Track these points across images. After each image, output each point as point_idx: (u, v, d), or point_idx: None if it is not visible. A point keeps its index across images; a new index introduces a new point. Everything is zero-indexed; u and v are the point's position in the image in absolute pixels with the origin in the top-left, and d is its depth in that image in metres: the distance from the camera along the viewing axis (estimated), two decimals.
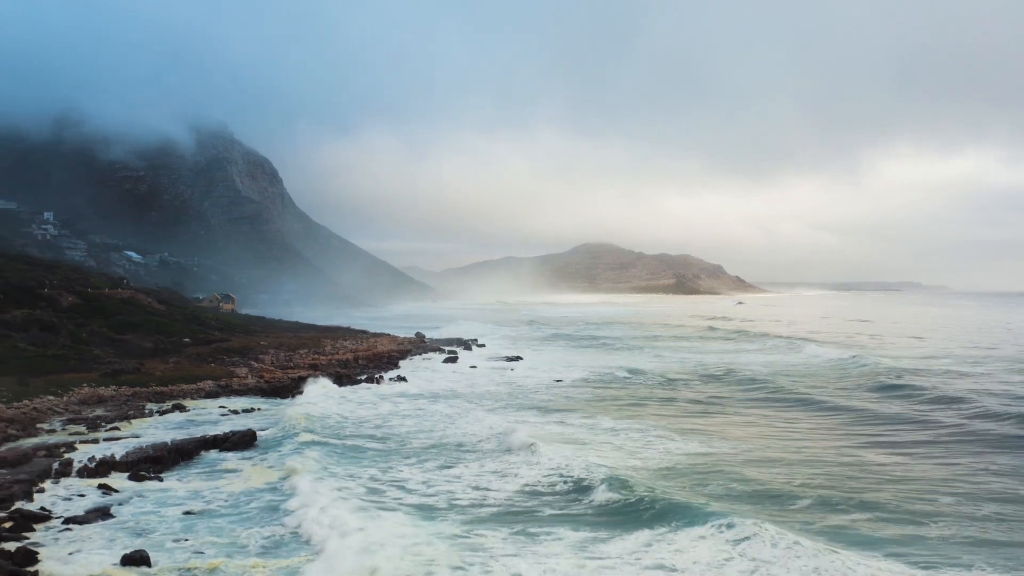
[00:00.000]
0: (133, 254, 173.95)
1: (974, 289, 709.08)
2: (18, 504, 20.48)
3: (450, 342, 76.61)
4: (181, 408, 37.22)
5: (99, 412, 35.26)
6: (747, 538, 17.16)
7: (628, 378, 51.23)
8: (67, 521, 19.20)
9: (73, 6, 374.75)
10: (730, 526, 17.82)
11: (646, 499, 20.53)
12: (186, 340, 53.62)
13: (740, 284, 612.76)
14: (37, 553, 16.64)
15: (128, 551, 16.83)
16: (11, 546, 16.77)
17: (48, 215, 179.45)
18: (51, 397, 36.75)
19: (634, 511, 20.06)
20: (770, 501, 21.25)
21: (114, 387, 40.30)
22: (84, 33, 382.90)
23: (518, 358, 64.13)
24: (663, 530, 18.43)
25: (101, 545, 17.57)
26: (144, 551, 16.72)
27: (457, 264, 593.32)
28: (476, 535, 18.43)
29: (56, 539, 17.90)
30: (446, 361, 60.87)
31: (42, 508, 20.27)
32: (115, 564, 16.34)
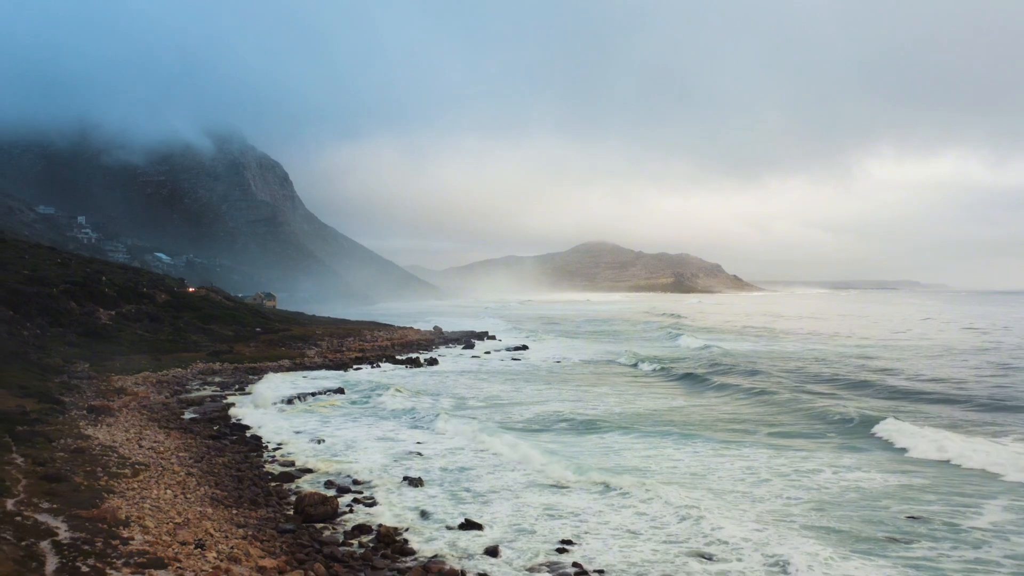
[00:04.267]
0: (163, 256, 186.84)
1: (972, 288, 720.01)
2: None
3: (465, 334, 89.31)
4: (274, 377, 50.00)
5: (219, 379, 47.99)
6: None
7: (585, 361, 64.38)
8: (258, 431, 31.97)
9: (89, 19, 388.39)
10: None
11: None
12: (257, 329, 66.49)
13: (737, 283, 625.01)
14: (261, 438, 29.51)
15: (311, 437, 29.70)
16: (248, 432, 29.71)
17: (82, 219, 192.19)
18: (179, 369, 49.56)
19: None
20: (572, 426, 33.87)
21: (218, 363, 53.20)
22: (102, 44, 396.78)
23: (525, 347, 76.72)
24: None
25: (292, 437, 30.30)
26: (323, 436, 29.61)
27: (458, 263, 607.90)
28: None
29: (258, 438, 30.61)
30: (465, 348, 73.69)
31: (235, 424, 33.06)
32: (307, 442, 29.14)
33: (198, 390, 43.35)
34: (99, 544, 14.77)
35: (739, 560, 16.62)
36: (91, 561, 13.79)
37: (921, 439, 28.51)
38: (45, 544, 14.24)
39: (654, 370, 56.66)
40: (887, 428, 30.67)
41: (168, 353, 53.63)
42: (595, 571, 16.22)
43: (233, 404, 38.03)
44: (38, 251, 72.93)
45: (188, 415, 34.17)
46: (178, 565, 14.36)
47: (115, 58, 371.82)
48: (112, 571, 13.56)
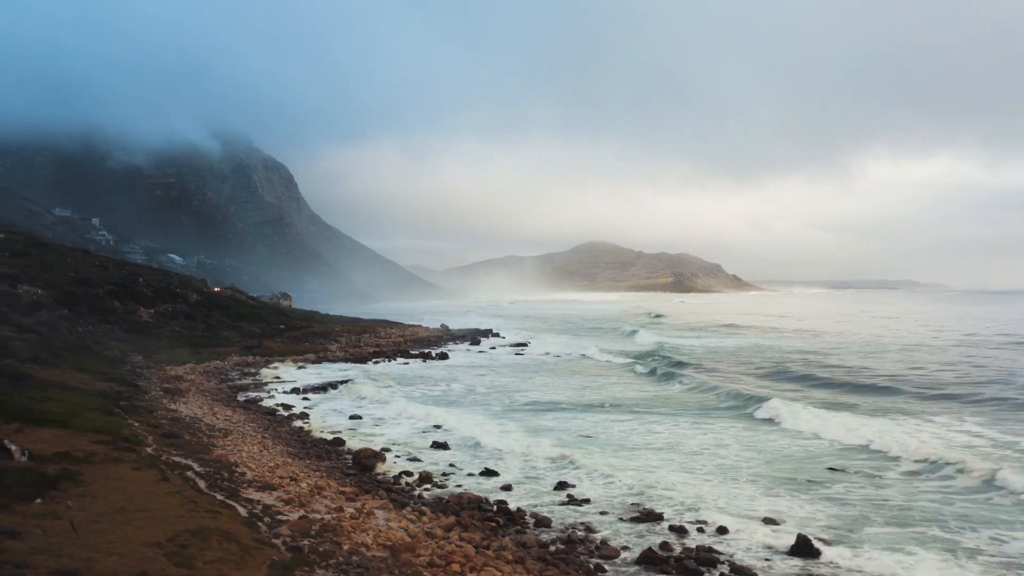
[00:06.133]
0: (176, 256, 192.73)
1: (971, 287, 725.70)
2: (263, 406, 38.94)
3: (471, 332, 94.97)
4: (304, 369, 55.69)
5: (254, 370, 53.62)
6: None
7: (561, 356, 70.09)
8: (304, 410, 37.65)
9: (96, 23, 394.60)
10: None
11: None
12: (281, 327, 72.20)
13: (737, 282, 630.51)
14: (308, 415, 35.21)
15: (348, 415, 35.39)
16: (294, 411, 35.45)
17: (95, 221, 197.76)
18: (218, 361, 55.24)
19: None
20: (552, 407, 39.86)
21: (251, 356, 58.89)
22: (108, 48, 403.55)
23: (525, 344, 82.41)
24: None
25: (332, 415, 36.00)
26: (359, 414, 35.31)
27: (459, 263, 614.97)
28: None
29: (306, 415, 36.29)
30: (472, 345, 79.39)
31: (284, 404, 38.74)
32: (347, 419, 34.81)
33: (240, 379, 49.01)
34: (225, 475, 20.49)
35: (687, 488, 22.38)
36: (226, 483, 19.50)
37: (792, 416, 34.85)
38: (190, 473, 19.93)
39: (625, 363, 62.62)
40: (770, 406, 36.97)
41: (205, 348, 59.28)
42: (583, 499, 21.91)
43: (276, 390, 43.76)
44: (75, 254, 78.61)
45: (241, 397, 39.89)
46: (283, 489, 20.06)
47: (121, 62, 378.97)
48: (241, 489, 19.26)
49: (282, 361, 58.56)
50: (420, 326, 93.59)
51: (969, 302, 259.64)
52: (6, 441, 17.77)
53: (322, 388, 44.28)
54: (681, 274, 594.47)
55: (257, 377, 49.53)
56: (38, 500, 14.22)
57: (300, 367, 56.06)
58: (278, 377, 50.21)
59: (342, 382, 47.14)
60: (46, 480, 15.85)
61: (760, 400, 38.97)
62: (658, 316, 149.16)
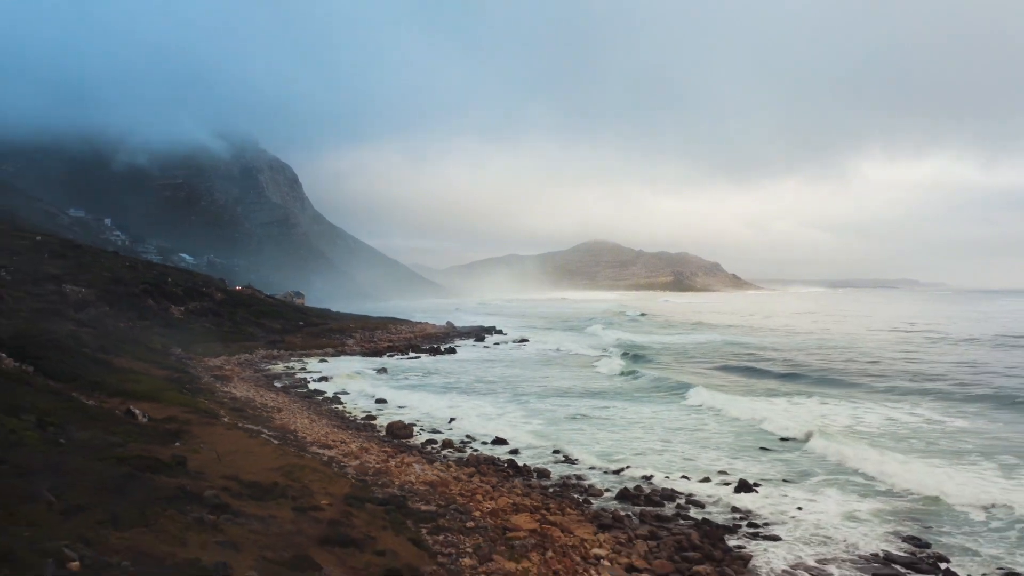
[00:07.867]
0: (187, 256, 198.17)
1: (970, 287, 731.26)
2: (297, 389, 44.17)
3: (475, 329, 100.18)
4: (325, 362, 60.98)
5: (281, 363, 58.87)
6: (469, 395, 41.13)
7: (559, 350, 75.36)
8: (335, 394, 42.85)
9: (105, 26, 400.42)
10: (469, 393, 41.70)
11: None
12: (300, 323, 77.48)
13: (736, 281, 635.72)
14: (340, 398, 40.44)
15: (375, 399, 40.64)
16: (327, 395, 40.73)
17: (108, 221, 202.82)
18: (247, 354, 60.52)
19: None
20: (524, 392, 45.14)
21: (276, 350, 64.18)
22: (117, 50, 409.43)
23: (526, 340, 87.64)
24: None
25: (361, 399, 41.20)
26: (384, 398, 40.57)
27: (460, 262, 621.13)
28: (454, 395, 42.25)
29: (338, 399, 41.45)
30: (477, 341, 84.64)
31: (316, 390, 43.95)
32: (374, 402, 40.03)
33: (271, 369, 54.28)
34: (291, 437, 25.74)
35: (661, 454, 27.65)
36: (294, 443, 24.75)
37: (704, 397, 40.61)
38: (263, 436, 25.18)
39: (607, 357, 67.20)
40: (695, 393, 42.34)
41: (233, 342, 64.56)
42: (576, 459, 27.16)
43: (306, 379, 49.00)
44: (106, 255, 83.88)
45: (278, 384, 45.14)
46: (338, 448, 25.32)
47: (128, 64, 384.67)
48: (307, 446, 24.52)
49: (305, 354, 63.83)
50: (428, 323, 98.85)
51: (963, 301, 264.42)
52: (131, 407, 23.07)
53: (348, 376, 49.47)
54: (681, 273, 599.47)
55: (286, 368, 54.79)
56: (177, 443, 19.48)
57: (322, 360, 61.28)
58: (304, 368, 55.47)
59: (363, 372, 52.38)
60: (171, 433, 21.12)
61: (687, 387, 44.34)
62: (643, 315, 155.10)
